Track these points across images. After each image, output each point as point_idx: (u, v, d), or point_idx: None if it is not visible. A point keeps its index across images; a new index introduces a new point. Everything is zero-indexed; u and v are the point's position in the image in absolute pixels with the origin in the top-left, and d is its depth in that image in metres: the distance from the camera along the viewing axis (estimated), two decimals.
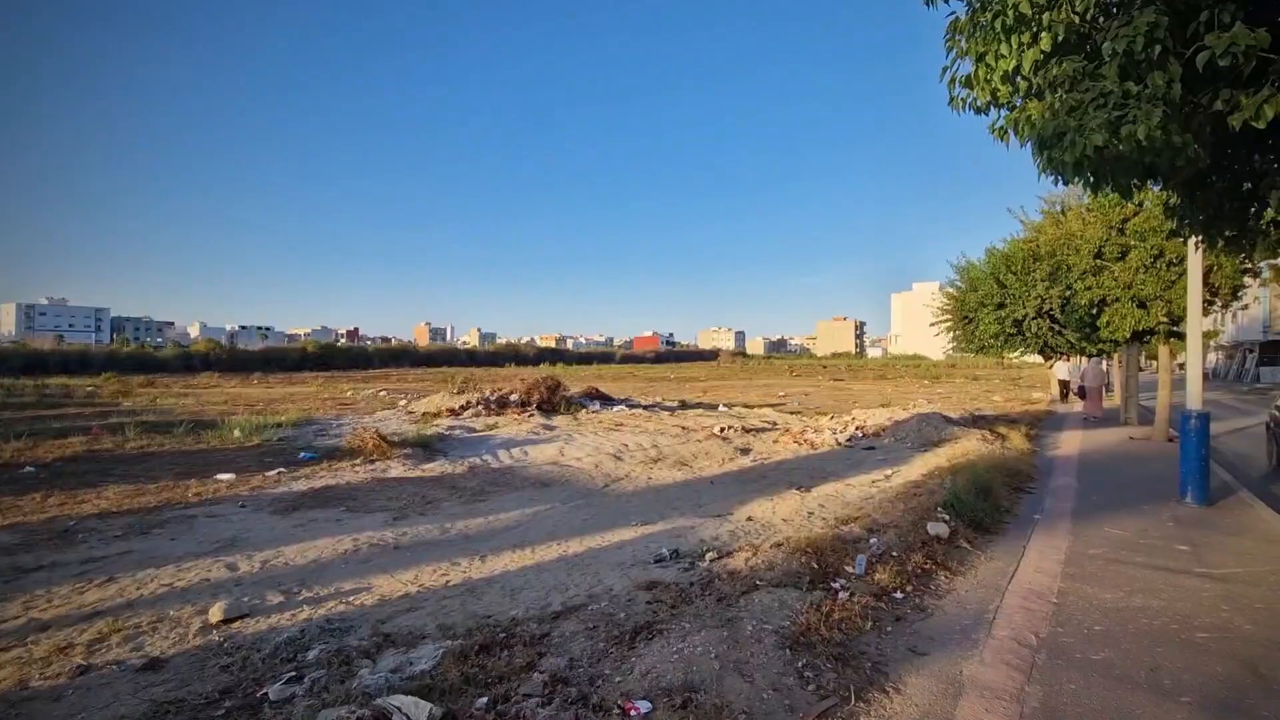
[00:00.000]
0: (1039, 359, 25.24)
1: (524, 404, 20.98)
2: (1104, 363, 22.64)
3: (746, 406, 25.00)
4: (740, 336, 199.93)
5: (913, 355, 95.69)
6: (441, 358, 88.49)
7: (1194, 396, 7.58)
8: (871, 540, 5.28)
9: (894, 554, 4.93)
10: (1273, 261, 12.53)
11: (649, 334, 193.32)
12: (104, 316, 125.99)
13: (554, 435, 15.22)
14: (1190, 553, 5.48)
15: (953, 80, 4.17)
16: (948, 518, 5.88)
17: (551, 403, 21.23)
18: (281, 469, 9.94)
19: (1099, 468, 9.92)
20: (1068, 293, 15.09)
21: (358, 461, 11.08)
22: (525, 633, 3.71)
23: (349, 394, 28.74)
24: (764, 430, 15.78)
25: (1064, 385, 23.38)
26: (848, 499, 7.42)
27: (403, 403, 22.50)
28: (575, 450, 12.86)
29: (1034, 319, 21.35)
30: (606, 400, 24.14)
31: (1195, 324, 7.87)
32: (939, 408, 21.56)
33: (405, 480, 9.61)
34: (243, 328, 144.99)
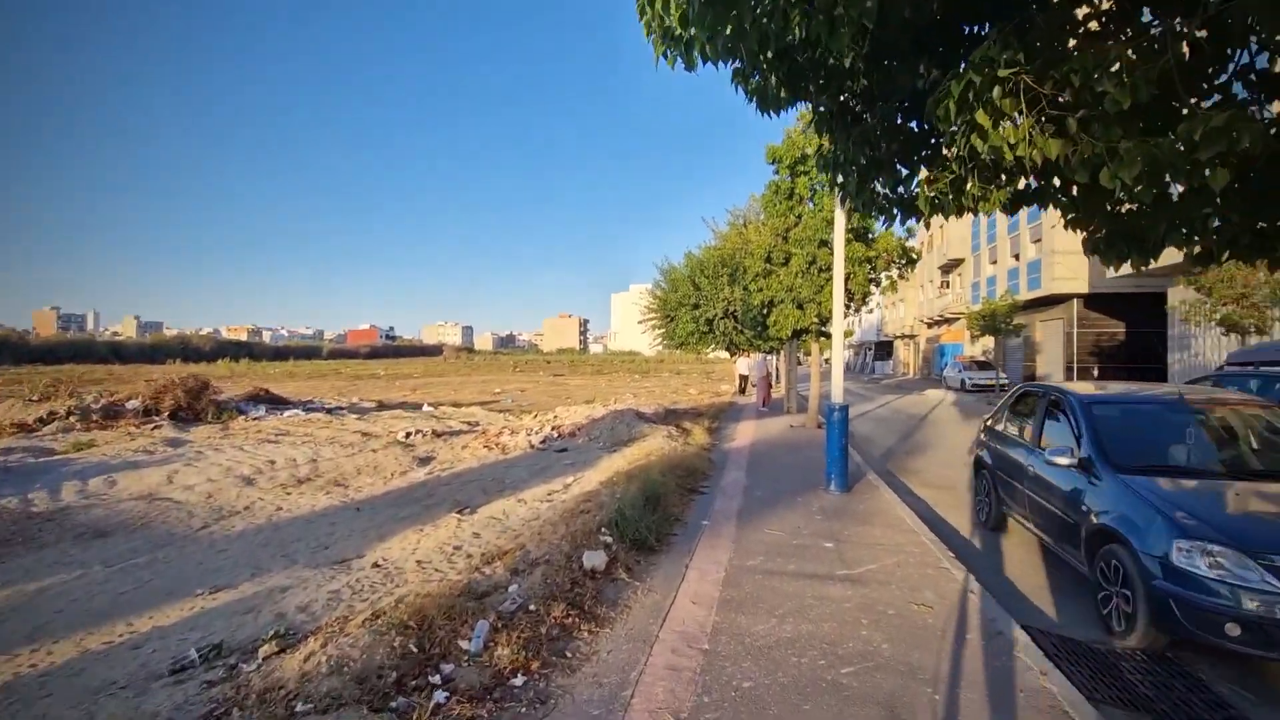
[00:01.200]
0: (727, 355, 28.03)
1: (149, 412, 16.12)
2: (770, 358, 25.79)
3: (455, 405, 23.10)
4: (469, 332, 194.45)
5: (629, 351, 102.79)
6: (64, 352, 68.54)
7: (838, 389, 8.11)
8: (511, 588, 4.11)
9: (532, 607, 3.81)
10: (888, 274, 15.02)
11: (366, 327, 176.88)
12: None
13: (175, 454, 11.59)
14: (834, 551, 5.45)
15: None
16: (610, 540, 5.04)
17: (195, 410, 16.71)
18: None
19: (765, 458, 10.48)
20: (744, 294, 16.41)
21: None
22: None
23: None
24: (460, 433, 14.19)
25: (744, 379, 26.14)
26: (511, 521, 6.27)
27: None
28: (193, 474, 9.75)
29: (722, 318, 23.39)
30: (278, 403, 20.05)
31: (839, 324, 8.47)
32: (643, 402, 22.37)
33: None
34: None
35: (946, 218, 3.25)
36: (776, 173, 14.37)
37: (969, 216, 37.22)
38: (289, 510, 7.52)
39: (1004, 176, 2.75)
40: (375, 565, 5.13)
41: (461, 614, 3.63)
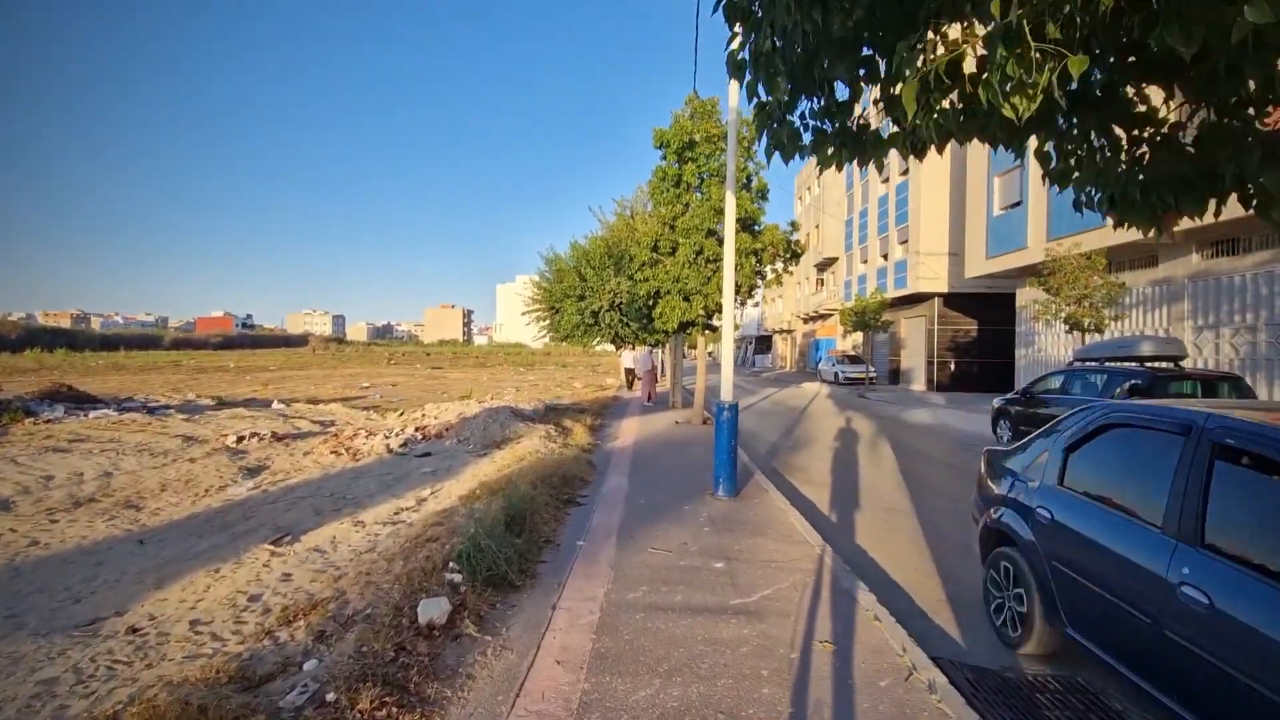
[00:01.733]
0: (612, 348, 27.40)
1: None
2: (656, 352, 25.48)
3: (312, 402, 20.70)
4: (340, 321, 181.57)
5: (515, 344, 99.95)
6: None
7: (727, 386, 7.54)
8: (308, 664, 3.03)
9: (331, 696, 2.76)
10: (774, 266, 14.91)
11: (219, 314, 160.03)
12: None
13: None
14: (725, 573, 4.78)
15: None
16: (460, 578, 4.05)
17: None
18: None
19: (650, 459, 9.82)
20: (630, 284, 15.73)
21: None
22: None
23: None
24: (308, 435, 12.39)
25: (629, 373, 25.62)
26: (339, 554, 5.07)
27: None
28: None
29: (607, 311, 22.71)
30: (84, 402, 16.83)
31: (729, 317, 7.91)
32: (525, 396, 21.16)
33: None
34: None
35: (961, 144, 2.49)
36: (664, 158, 13.76)
37: (841, 216, 38.79)
38: (46, 545, 5.81)
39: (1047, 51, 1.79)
40: (132, 630, 3.79)
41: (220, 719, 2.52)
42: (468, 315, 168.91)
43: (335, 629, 3.37)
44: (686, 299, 13.56)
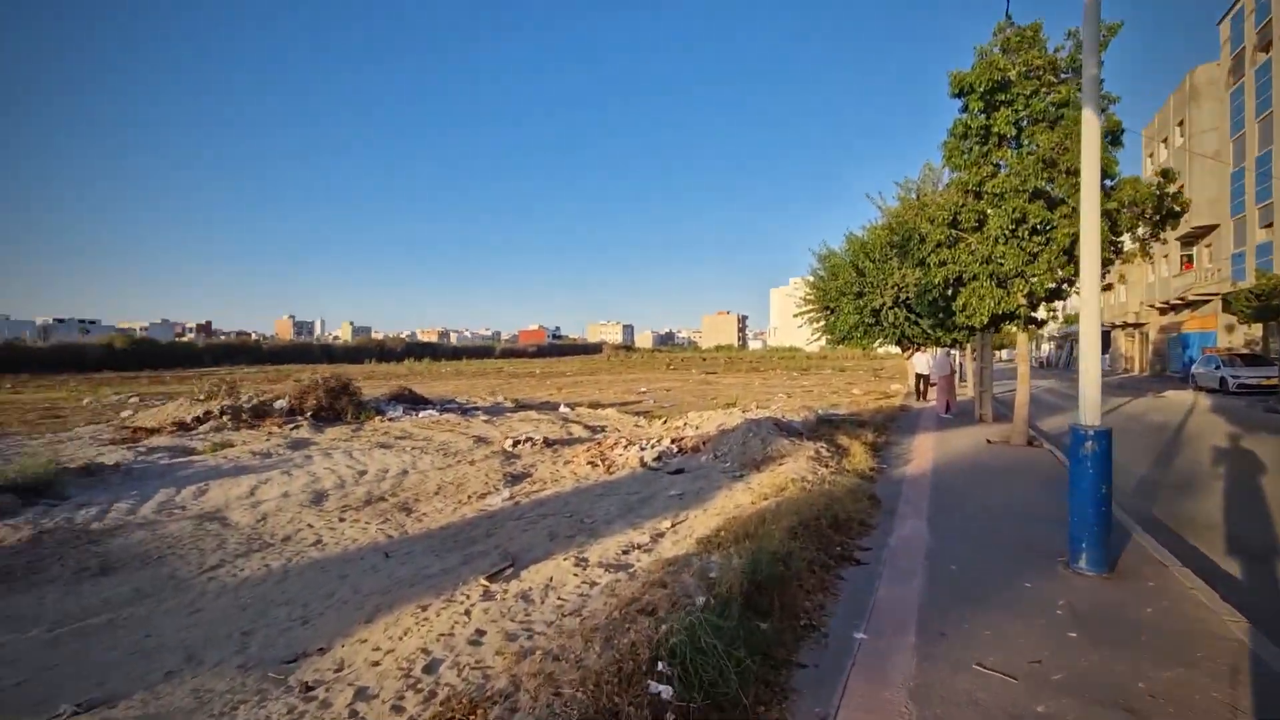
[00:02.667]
0: (897, 350, 23.99)
1: (293, 412, 16.47)
2: (954, 353, 21.53)
3: (593, 406, 21.83)
4: (629, 330, 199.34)
5: (789, 348, 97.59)
6: (290, 354, 79.51)
7: (1090, 400, 5.00)
8: None
9: None
10: (1135, 233, 10.84)
11: (534, 327, 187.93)
12: None
13: (284, 459, 11.12)
14: None
15: None
16: (669, 691, 2.72)
17: (335, 409, 16.86)
18: None
19: (956, 494, 7.42)
20: (920, 271, 12.98)
21: None
22: None
23: (86, 402, 22.48)
24: (574, 442, 12.53)
25: (920, 379, 22.05)
26: (545, 609, 4.14)
27: (126, 414, 17.15)
28: (275, 487, 8.96)
29: (891, 308, 19.75)
30: (417, 403, 20.00)
31: (1092, 291, 5.24)
32: (794, 405, 19.39)
33: None
34: (59, 320, 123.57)
35: None
36: (964, 109, 10.85)
37: (1221, 170, 28.98)
38: (322, 547, 6.09)
39: None
40: (306, 689, 3.27)
41: None
42: (742, 320, 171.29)
43: None
44: (1001, 284, 10.50)
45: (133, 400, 22.31)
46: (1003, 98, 10.38)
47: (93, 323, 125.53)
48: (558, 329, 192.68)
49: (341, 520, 7.05)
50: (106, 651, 3.98)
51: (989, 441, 11.37)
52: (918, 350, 21.90)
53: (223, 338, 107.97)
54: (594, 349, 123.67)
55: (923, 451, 10.46)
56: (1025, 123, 10.55)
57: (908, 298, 18.48)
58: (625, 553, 5.16)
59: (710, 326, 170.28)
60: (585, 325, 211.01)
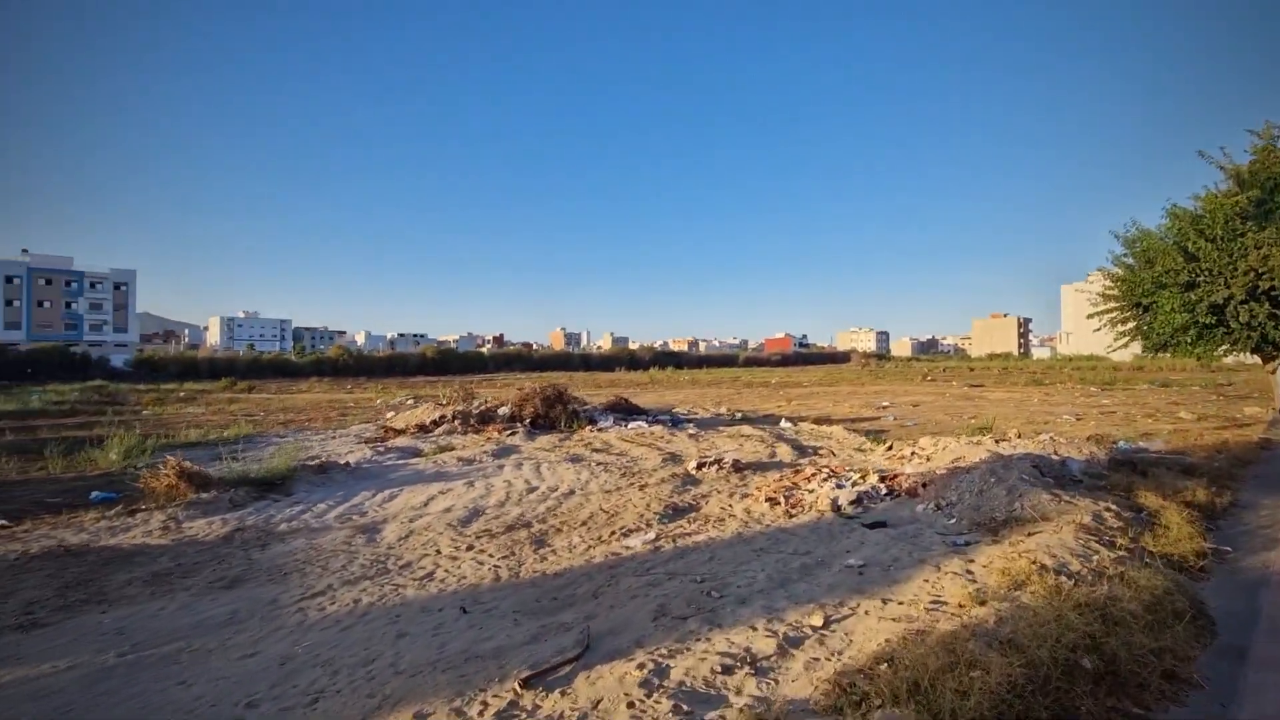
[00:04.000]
0: (1255, 359, 17.25)
1: (514, 419, 17.34)
2: None
3: (820, 421, 19.51)
4: (884, 337, 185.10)
5: (1087, 356, 79.67)
6: (554, 362, 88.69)
7: None
8: None
9: None
10: None
11: (781, 335, 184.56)
12: (287, 327, 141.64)
13: (476, 469, 11.39)
14: None
15: None
16: None
17: (550, 417, 17.40)
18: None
19: None
20: None
21: (146, 508, 8.10)
22: None
23: (379, 401, 26.92)
24: (768, 468, 10.77)
25: None
26: None
27: (390, 415, 19.78)
28: (446, 500, 9.00)
29: (1243, 302, 14.14)
30: (630, 413, 19.83)
31: None
32: (1085, 429, 14.78)
33: (99, 550, 6.29)
34: (400, 335, 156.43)
35: None
36: None
37: None
38: (424, 584, 5.49)
39: None
40: None
41: None
42: (1024, 324, 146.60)
43: None
44: None
45: (409, 401, 26.09)
46: None
47: (421, 336, 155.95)
48: (804, 337, 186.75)
49: (469, 549, 6.48)
50: (153, 692, 3.65)
51: None
52: None
53: (509, 347, 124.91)
54: (842, 357, 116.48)
55: None
56: None
57: (1272, 286, 13.02)
58: (726, 672, 3.47)
59: (982, 331, 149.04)
60: (834, 332, 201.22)
